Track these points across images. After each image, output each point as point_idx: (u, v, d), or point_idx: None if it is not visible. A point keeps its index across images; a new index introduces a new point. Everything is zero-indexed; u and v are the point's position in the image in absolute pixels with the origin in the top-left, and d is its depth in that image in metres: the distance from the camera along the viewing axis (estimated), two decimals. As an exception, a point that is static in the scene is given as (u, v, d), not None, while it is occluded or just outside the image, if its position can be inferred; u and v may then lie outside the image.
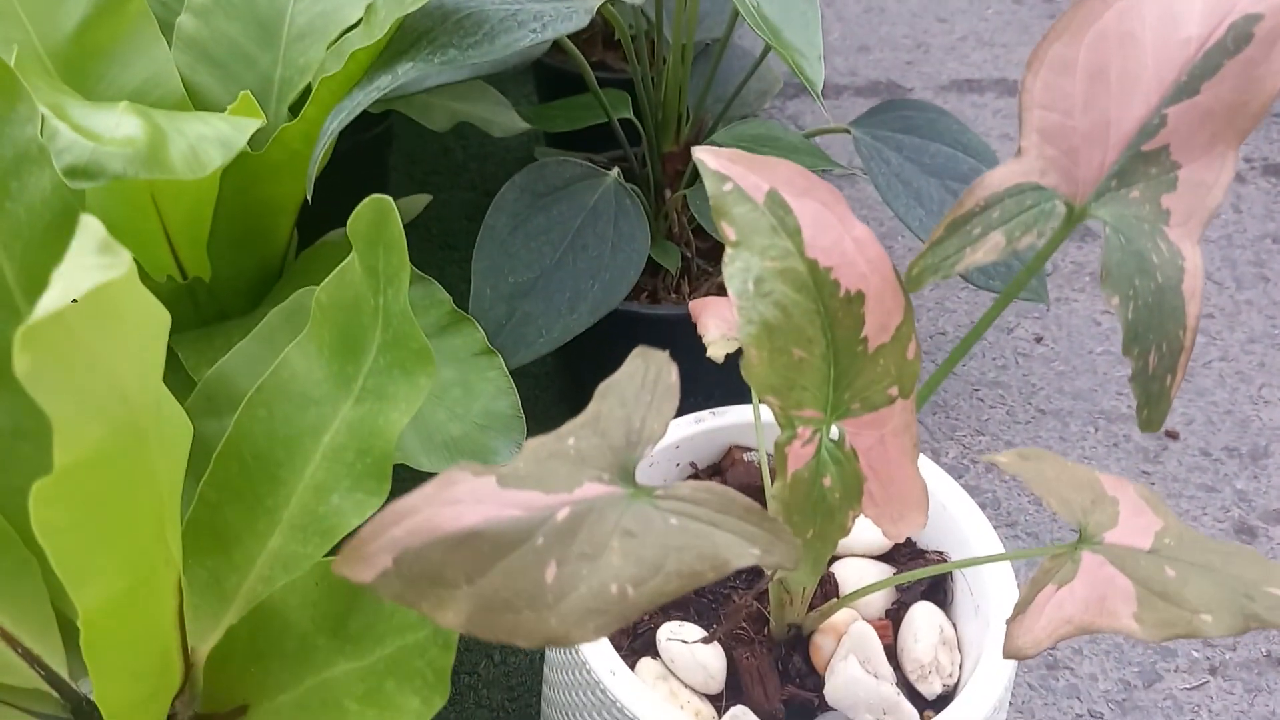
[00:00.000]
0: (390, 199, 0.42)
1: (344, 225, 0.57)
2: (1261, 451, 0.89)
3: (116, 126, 0.45)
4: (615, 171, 0.73)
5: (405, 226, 1.05)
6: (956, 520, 0.58)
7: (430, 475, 0.65)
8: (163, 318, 0.35)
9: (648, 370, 0.41)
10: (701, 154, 0.41)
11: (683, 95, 0.76)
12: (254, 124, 0.50)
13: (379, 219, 0.42)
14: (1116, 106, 0.40)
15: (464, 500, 0.38)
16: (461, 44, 0.53)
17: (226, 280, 0.64)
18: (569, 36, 1.03)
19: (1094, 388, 0.94)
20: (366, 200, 0.42)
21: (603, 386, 0.41)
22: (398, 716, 0.41)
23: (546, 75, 1.03)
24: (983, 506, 0.85)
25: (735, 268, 0.40)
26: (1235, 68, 0.40)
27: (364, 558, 0.37)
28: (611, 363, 0.44)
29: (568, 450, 0.40)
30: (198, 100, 0.65)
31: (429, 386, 0.45)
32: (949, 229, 0.40)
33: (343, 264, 0.46)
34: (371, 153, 0.99)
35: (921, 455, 0.60)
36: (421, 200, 0.75)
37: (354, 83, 0.57)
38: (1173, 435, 0.90)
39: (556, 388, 0.91)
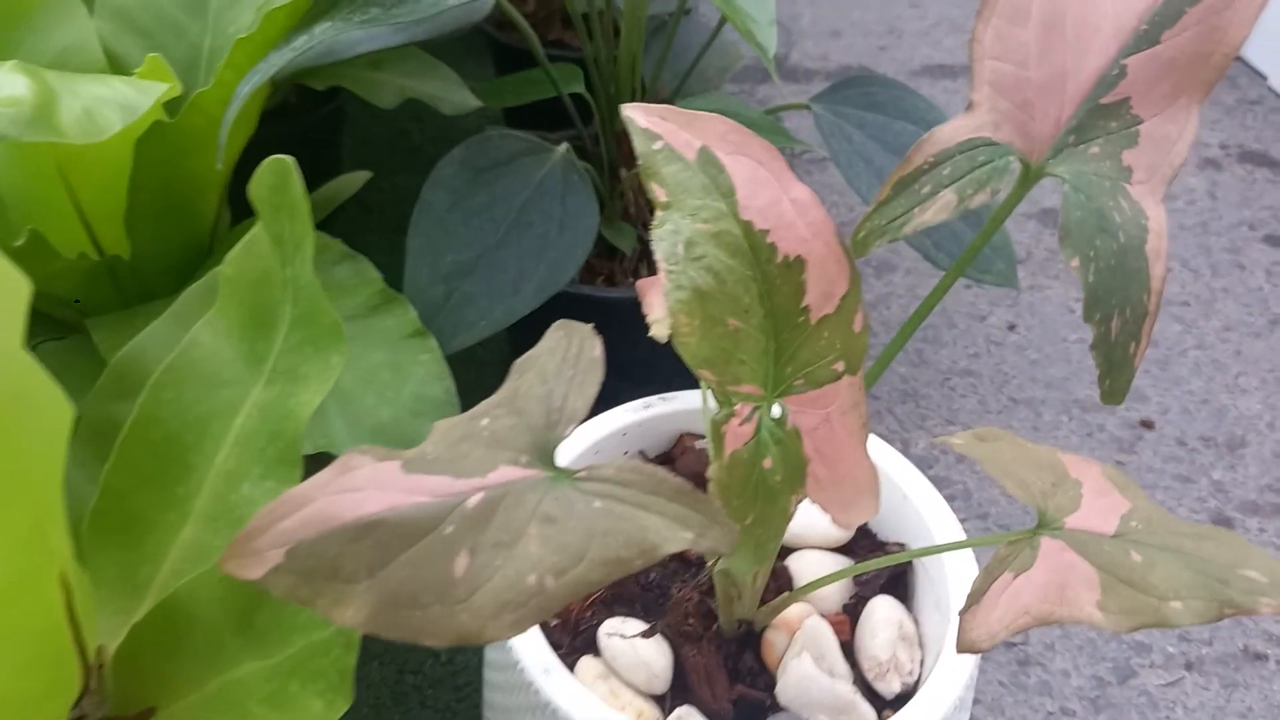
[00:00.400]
0: (291, 159, 0.39)
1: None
2: (1238, 441, 0.86)
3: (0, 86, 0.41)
4: (564, 146, 0.69)
5: (357, 209, 1.02)
6: (919, 512, 0.55)
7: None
8: (20, 284, 0.31)
9: (570, 344, 0.38)
10: (629, 111, 0.38)
11: (636, 69, 0.73)
12: (160, 87, 0.47)
13: (279, 182, 0.39)
14: (1073, 57, 0.37)
15: (364, 487, 0.35)
16: (385, 1, 0.50)
17: (150, 258, 0.61)
18: (518, 9, 1.00)
19: (1067, 376, 0.91)
20: (266, 161, 0.39)
21: (520, 361, 0.38)
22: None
23: (505, 56, 1.00)
24: (953, 499, 0.82)
25: (664, 230, 0.37)
26: (1197, 15, 0.37)
27: (253, 552, 0.34)
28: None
29: (481, 431, 0.36)
30: (121, 71, 0.62)
31: (340, 365, 0.41)
32: (896, 188, 0.37)
33: (249, 234, 0.43)
34: (322, 135, 0.95)
35: (884, 443, 0.57)
36: (361, 177, 0.71)
37: (272, 45, 0.53)
38: (1148, 425, 0.87)
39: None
